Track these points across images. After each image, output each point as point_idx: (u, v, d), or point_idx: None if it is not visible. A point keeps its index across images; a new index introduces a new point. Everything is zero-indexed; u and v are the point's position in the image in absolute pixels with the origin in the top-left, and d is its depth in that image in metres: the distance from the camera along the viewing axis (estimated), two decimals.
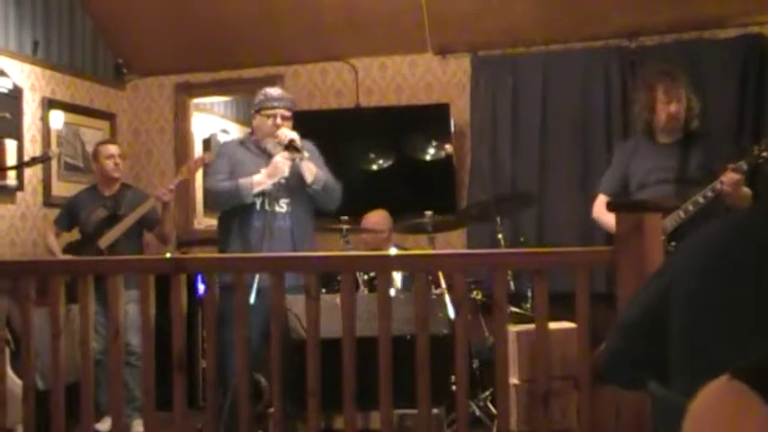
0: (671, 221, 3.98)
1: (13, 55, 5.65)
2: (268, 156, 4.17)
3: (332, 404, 2.99)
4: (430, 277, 4.30)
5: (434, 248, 4.94)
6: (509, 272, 4.25)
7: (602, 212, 4.27)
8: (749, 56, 5.31)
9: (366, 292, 4.45)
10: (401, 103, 6.20)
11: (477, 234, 5.70)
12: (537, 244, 5.48)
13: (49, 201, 5.88)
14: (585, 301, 2.65)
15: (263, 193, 4.11)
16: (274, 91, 4.38)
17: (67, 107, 6.11)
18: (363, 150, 6.17)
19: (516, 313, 4.56)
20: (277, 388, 2.94)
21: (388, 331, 2.79)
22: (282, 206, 4.16)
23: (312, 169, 4.15)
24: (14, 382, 3.59)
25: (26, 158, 5.48)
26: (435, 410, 3.69)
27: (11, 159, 5.47)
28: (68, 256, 4.95)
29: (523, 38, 5.85)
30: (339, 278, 3.80)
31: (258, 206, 4.13)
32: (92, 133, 6.30)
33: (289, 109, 4.28)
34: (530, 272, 3.62)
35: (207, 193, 4.33)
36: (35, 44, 5.84)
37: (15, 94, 5.62)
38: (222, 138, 7.74)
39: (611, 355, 1.60)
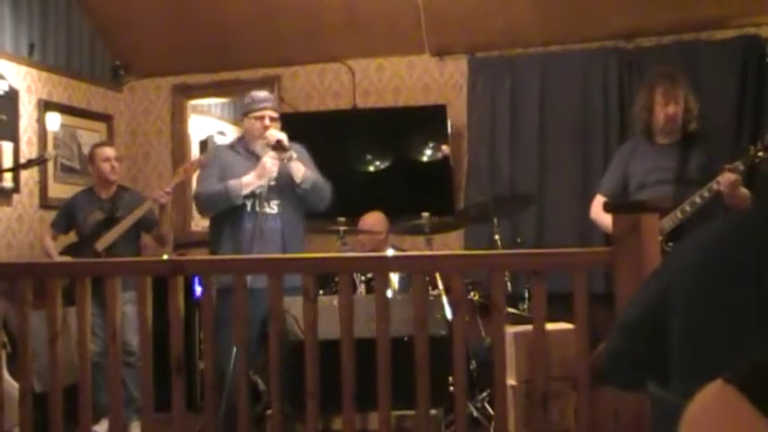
0: (668, 222, 3.99)
1: (9, 57, 5.64)
2: (257, 158, 4.20)
3: (330, 405, 2.98)
4: (427, 278, 4.30)
5: (432, 250, 4.94)
6: (507, 273, 4.24)
7: (599, 213, 4.27)
8: (747, 57, 5.31)
9: (364, 293, 4.45)
10: (398, 105, 6.20)
11: (475, 235, 5.70)
12: (535, 245, 5.49)
13: (45, 203, 5.87)
14: (584, 301, 2.65)
15: (253, 195, 4.13)
16: (261, 93, 4.44)
17: (64, 109, 6.11)
18: (361, 152, 6.17)
19: (514, 314, 4.56)
20: (276, 389, 2.94)
21: (387, 332, 2.79)
22: (273, 208, 4.19)
23: (300, 169, 4.18)
24: (11, 384, 3.59)
25: (23, 160, 5.47)
26: (433, 412, 3.68)
27: (7, 161, 5.47)
28: (65, 258, 4.95)
29: (521, 39, 5.85)
30: (336, 279, 3.80)
31: (249, 208, 4.15)
32: (89, 135, 6.29)
33: (276, 110, 4.36)
34: (527, 273, 3.62)
35: (197, 197, 4.35)
36: (31, 46, 5.83)
37: (12, 96, 5.61)
38: (219, 139, 7.74)
39: (610, 356, 1.60)
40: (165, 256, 4.15)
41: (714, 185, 3.92)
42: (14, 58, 5.69)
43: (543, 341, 2.75)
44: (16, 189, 5.66)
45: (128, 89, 6.83)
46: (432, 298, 4.31)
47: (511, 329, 3.48)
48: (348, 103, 6.29)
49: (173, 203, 5.18)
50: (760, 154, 3.89)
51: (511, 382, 3.33)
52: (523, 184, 5.75)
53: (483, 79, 5.90)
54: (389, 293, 3.49)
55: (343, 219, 4.89)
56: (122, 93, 6.82)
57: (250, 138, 4.30)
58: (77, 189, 5.49)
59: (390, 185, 6.02)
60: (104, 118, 6.57)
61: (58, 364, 3.09)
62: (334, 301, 3.51)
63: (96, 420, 4.42)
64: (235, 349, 3.59)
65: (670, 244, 3.86)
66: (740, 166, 3.89)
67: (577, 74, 5.70)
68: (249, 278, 3.08)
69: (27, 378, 3.16)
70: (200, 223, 6.79)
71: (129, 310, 4.09)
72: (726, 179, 3.88)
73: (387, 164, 6.14)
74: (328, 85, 6.39)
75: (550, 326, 2.96)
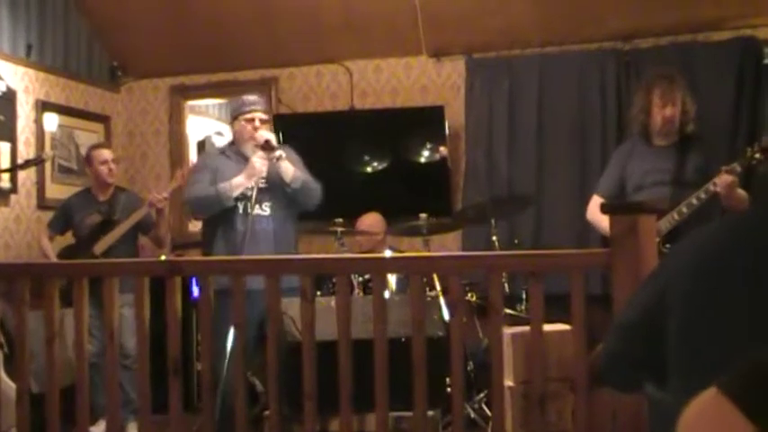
0: (665, 223, 3.99)
1: (6, 57, 5.63)
2: (248, 161, 4.22)
3: (328, 407, 2.99)
4: (425, 279, 4.30)
5: (429, 251, 4.94)
6: (504, 274, 4.24)
7: (595, 214, 4.28)
8: (744, 58, 5.32)
9: (361, 294, 4.45)
10: (396, 106, 6.20)
11: (473, 236, 5.70)
12: (533, 246, 5.49)
13: (43, 203, 5.86)
14: (581, 302, 2.65)
15: (245, 197, 4.14)
16: (250, 96, 4.49)
17: (62, 110, 6.10)
18: (358, 153, 6.17)
19: (511, 315, 4.56)
20: (273, 391, 2.94)
21: (384, 333, 2.79)
22: (266, 209, 4.22)
23: (290, 168, 4.21)
24: (9, 385, 3.59)
25: (20, 161, 5.46)
26: (431, 413, 3.69)
27: (4, 162, 5.47)
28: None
29: (519, 40, 5.85)
30: (334, 280, 3.80)
31: (241, 210, 4.18)
32: (86, 136, 6.28)
33: (266, 112, 4.41)
34: (525, 274, 3.62)
35: (188, 202, 4.38)
36: (29, 47, 5.82)
37: (9, 97, 5.61)
38: (217, 140, 7.72)
39: (608, 357, 1.60)
40: (163, 257, 4.16)
41: (711, 187, 3.93)
42: (12, 58, 5.69)
43: (541, 342, 2.75)
44: (14, 189, 5.66)
45: (125, 90, 6.83)
46: (429, 299, 4.31)
47: (508, 330, 3.48)
48: (345, 104, 6.29)
49: (170, 205, 5.18)
50: (757, 155, 3.89)
51: (508, 383, 3.33)
52: (521, 185, 5.75)
53: (480, 80, 5.90)
54: (387, 294, 3.49)
55: (340, 220, 4.89)
56: (120, 93, 6.81)
57: (240, 140, 4.34)
58: (75, 190, 5.49)
59: (388, 186, 6.02)
60: (102, 119, 6.57)
61: (56, 364, 3.08)
62: (332, 302, 3.52)
63: (93, 421, 4.42)
64: (229, 351, 3.61)
65: (667, 245, 3.86)
66: (737, 167, 3.89)
67: (575, 75, 5.70)
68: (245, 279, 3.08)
69: (24, 379, 3.15)
70: (197, 224, 6.77)
71: (126, 313, 4.08)
72: (723, 181, 3.88)
73: (384, 165, 6.14)
74: (326, 86, 6.39)
75: (548, 327, 2.96)
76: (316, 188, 4.31)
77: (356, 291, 4.48)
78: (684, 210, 3.98)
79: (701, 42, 5.49)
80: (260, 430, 4.05)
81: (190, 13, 6.17)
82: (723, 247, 1.40)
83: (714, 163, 4.11)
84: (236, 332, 2.97)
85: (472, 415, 4.38)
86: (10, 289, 3.23)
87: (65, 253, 5.08)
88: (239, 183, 4.15)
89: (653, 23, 5.52)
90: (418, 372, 2.75)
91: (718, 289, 1.34)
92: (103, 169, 5.10)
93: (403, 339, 3.33)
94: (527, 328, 2.88)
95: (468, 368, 4.60)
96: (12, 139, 5.59)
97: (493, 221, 4.75)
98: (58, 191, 5.92)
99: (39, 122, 5.86)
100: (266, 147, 4.15)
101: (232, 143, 4.46)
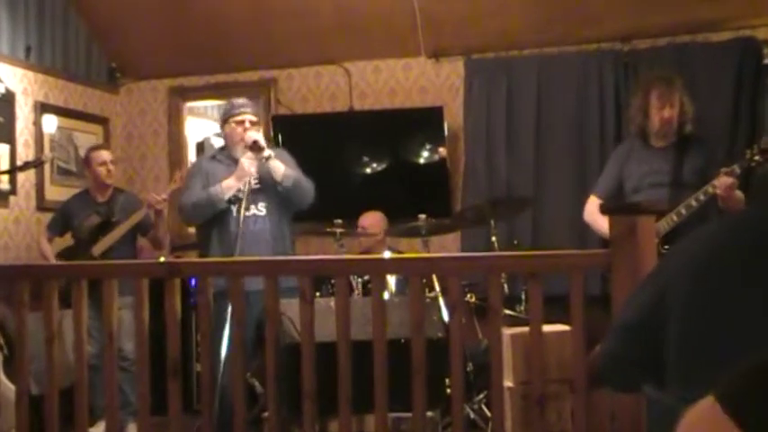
0: (664, 225, 3.99)
1: (6, 59, 5.63)
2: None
3: (327, 408, 2.98)
4: (424, 280, 4.30)
5: (429, 252, 4.94)
6: (503, 275, 4.24)
7: (593, 214, 4.28)
8: (743, 59, 5.31)
9: (360, 295, 4.45)
10: (395, 107, 6.20)
11: (472, 237, 5.70)
12: (532, 247, 5.48)
13: (42, 205, 5.86)
14: (580, 303, 2.65)
15: (238, 198, 4.15)
16: (240, 99, 4.57)
17: (61, 111, 6.10)
18: (357, 154, 6.17)
19: (511, 316, 4.56)
20: (272, 392, 2.93)
21: (384, 335, 2.79)
22: (261, 210, 4.26)
23: (280, 167, 4.24)
24: (8, 386, 3.59)
25: (19, 163, 5.46)
26: (430, 414, 3.69)
27: (4, 164, 5.47)
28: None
29: (517, 41, 5.85)
30: (333, 281, 3.80)
31: (235, 211, 4.19)
32: (85, 137, 6.28)
33: (255, 115, 4.44)
34: (524, 275, 3.62)
35: (181, 209, 4.40)
36: (28, 49, 5.82)
37: (8, 99, 5.61)
38: (215, 141, 7.72)
39: (607, 358, 1.60)
40: (162, 259, 4.16)
41: (710, 189, 3.92)
42: (11, 60, 5.68)
43: (540, 343, 2.75)
44: (13, 191, 5.65)
45: (124, 91, 6.82)
46: (428, 300, 4.31)
47: (508, 331, 3.48)
48: (344, 105, 6.29)
49: (169, 206, 5.18)
50: (756, 157, 3.88)
51: (508, 384, 3.33)
52: (520, 186, 5.74)
53: (479, 81, 5.90)
54: (386, 296, 3.49)
55: (340, 221, 4.89)
56: (119, 95, 6.81)
57: (231, 143, 4.37)
58: (74, 191, 5.49)
59: (387, 187, 6.02)
60: (101, 120, 6.57)
61: (55, 366, 3.08)
62: (331, 303, 3.51)
63: (92, 423, 4.42)
64: (224, 352, 3.61)
65: (666, 247, 3.86)
66: (737, 169, 3.88)
67: (574, 76, 5.70)
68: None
69: (24, 380, 3.15)
70: None
71: (125, 315, 4.08)
72: (722, 182, 3.88)
73: (383, 166, 6.14)
74: (324, 88, 6.38)
75: (547, 328, 2.96)
76: (308, 187, 4.32)
77: (355, 292, 4.48)
78: (683, 211, 3.98)
79: (700, 43, 5.49)
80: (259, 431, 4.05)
81: (188, 14, 6.17)
82: (723, 247, 1.40)
83: (712, 164, 4.11)
84: (234, 333, 2.97)
85: (472, 416, 4.37)
86: (9, 291, 3.23)
87: (64, 254, 5.08)
88: (230, 185, 4.18)
89: (651, 24, 5.52)
90: (418, 373, 2.75)
91: (718, 289, 1.34)
92: (102, 170, 5.10)
93: (402, 340, 3.33)
94: (526, 328, 2.88)
95: (468, 369, 4.59)
96: (11, 140, 5.59)
97: (492, 222, 4.75)
98: (57, 192, 5.91)
99: (38, 124, 5.86)
100: (255, 147, 4.18)
101: (223, 148, 4.50)
